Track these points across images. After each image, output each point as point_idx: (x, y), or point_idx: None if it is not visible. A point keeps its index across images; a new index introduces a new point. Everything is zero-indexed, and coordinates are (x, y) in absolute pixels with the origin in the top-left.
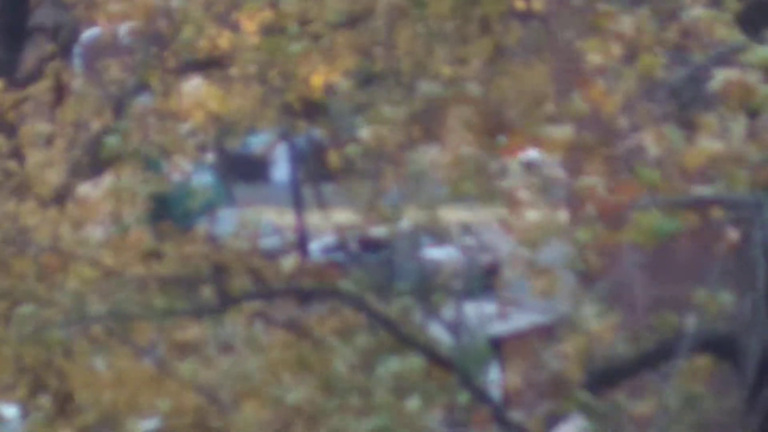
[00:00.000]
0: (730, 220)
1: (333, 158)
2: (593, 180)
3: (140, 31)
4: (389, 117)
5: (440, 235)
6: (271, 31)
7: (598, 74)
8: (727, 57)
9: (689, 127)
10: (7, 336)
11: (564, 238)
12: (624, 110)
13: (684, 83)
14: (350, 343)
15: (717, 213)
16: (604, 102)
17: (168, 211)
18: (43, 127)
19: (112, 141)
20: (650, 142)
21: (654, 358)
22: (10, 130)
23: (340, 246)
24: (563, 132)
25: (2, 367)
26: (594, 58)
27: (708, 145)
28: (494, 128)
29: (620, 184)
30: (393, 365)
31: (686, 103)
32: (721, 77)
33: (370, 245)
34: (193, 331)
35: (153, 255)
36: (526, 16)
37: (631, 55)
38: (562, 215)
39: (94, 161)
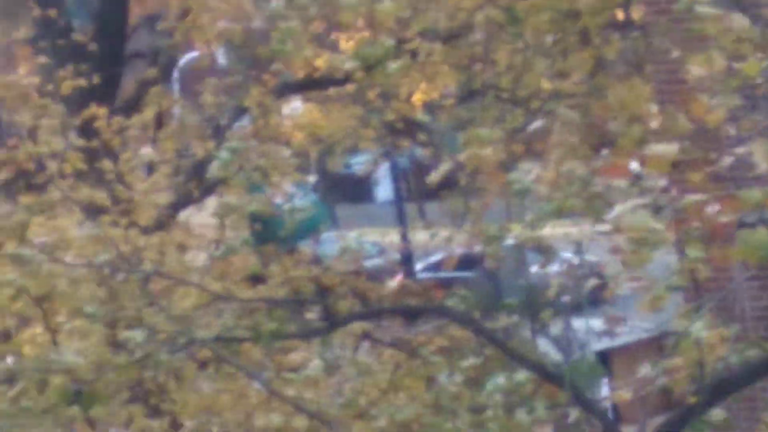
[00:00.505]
0: None
1: (434, 175)
2: (699, 197)
3: (238, 54)
4: (487, 137)
5: (546, 252)
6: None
7: (700, 87)
8: None
9: None
10: (118, 362)
11: (671, 253)
12: (729, 122)
13: None
14: (459, 362)
15: None
16: (708, 117)
17: (271, 234)
18: (146, 152)
19: (218, 164)
20: (757, 154)
21: (765, 370)
22: (114, 157)
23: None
24: (669, 149)
25: (113, 393)
26: (696, 71)
27: None
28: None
29: (726, 200)
30: (501, 382)
31: None
32: None
33: (475, 263)
34: (300, 354)
35: (258, 278)
36: (625, 27)
37: (734, 65)
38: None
39: (197, 186)
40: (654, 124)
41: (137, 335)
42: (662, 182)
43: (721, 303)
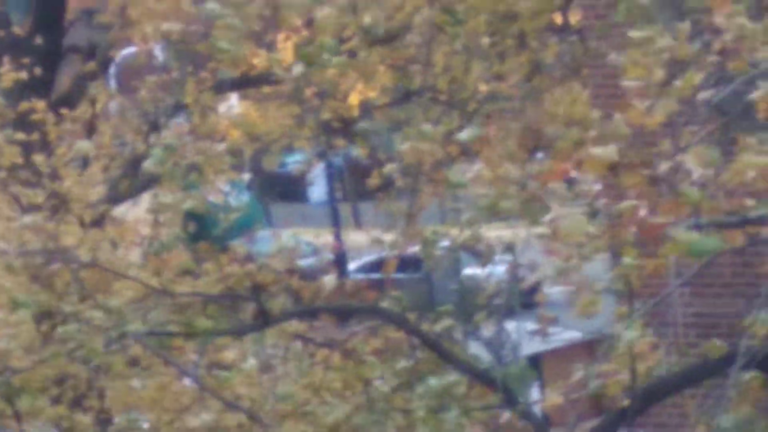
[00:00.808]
0: None
1: (373, 176)
2: (634, 202)
3: (176, 51)
4: (427, 134)
5: (480, 254)
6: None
7: (638, 95)
8: None
9: (732, 145)
10: (49, 355)
11: (605, 258)
12: (666, 130)
13: (727, 101)
14: (391, 363)
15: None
16: (646, 121)
17: (205, 231)
18: (83, 146)
19: (152, 160)
20: (692, 162)
21: (697, 377)
22: (49, 151)
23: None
24: (607, 152)
25: (43, 386)
26: (632, 82)
27: (752, 158)
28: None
29: (663, 205)
30: (433, 384)
31: (730, 121)
32: (763, 89)
33: (409, 264)
34: (233, 351)
35: (192, 274)
36: (563, 30)
37: (672, 74)
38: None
39: (132, 182)
40: (593, 129)
41: (70, 328)
42: (597, 187)
43: (654, 309)
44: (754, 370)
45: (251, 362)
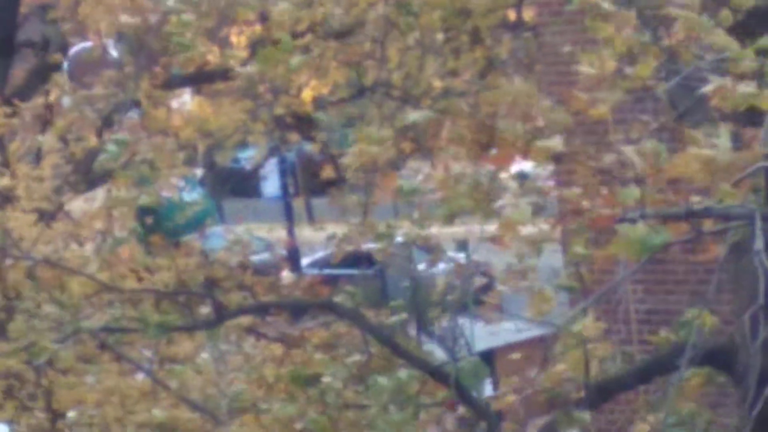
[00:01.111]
0: (722, 231)
1: (326, 172)
2: (577, 191)
3: (129, 46)
4: (374, 137)
5: (433, 250)
6: (261, 45)
7: (589, 85)
8: (721, 66)
9: (682, 137)
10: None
11: (556, 251)
12: (616, 122)
13: (677, 92)
14: (342, 358)
15: (709, 225)
16: (590, 112)
17: (158, 227)
18: (37, 140)
19: (113, 149)
20: (634, 155)
21: (649, 373)
22: (1, 145)
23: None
24: (553, 142)
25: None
26: (586, 70)
27: (697, 151)
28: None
29: (608, 197)
30: (384, 382)
31: (681, 113)
32: (715, 83)
33: (363, 260)
34: (186, 346)
35: (145, 269)
36: (517, 27)
37: (625, 65)
38: (554, 229)
39: (85, 177)
40: (539, 119)
41: (20, 325)
42: (548, 182)
43: (607, 306)
44: (701, 365)
45: (203, 357)
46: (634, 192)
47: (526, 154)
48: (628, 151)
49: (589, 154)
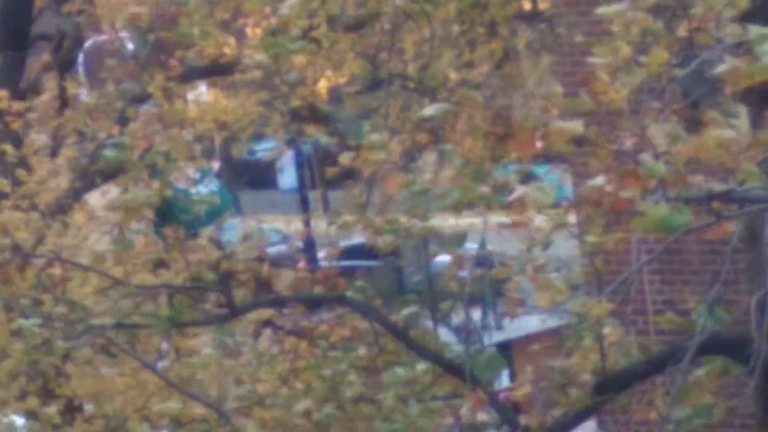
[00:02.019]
0: (739, 216)
1: (342, 163)
2: (600, 180)
3: (144, 38)
4: (378, 144)
5: (447, 242)
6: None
7: (604, 71)
8: (734, 52)
9: (697, 123)
10: (15, 348)
11: (567, 240)
12: (631, 107)
13: (692, 79)
14: (356, 352)
15: (726, 210)
16: (610, 96)
17: (174, 220)
18: (43, 138)
19: (110, 153)
20: (656, 137)
21: (664, 362)
22: (16, 140)
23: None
24: (572, 125)
25: (11, 377)
26: (600, 60)
27: (717, 132)
28: (503, 133)
29: (627, 178)
30: (400, 373)
31: (694, 98)
32: (728, 64)
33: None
34: (202, 339)
35: (160, 263)
36: (532, 18)
37: (639, 52)
38: (568, 215)
39: (100, 170)
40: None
41: (32, 323)
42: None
43: (624, 297)
44: (715, 354)
45: (216, 351)
46: (659, 167)
47: (544, 139)
48: (651, 130)
49: (609, 138)
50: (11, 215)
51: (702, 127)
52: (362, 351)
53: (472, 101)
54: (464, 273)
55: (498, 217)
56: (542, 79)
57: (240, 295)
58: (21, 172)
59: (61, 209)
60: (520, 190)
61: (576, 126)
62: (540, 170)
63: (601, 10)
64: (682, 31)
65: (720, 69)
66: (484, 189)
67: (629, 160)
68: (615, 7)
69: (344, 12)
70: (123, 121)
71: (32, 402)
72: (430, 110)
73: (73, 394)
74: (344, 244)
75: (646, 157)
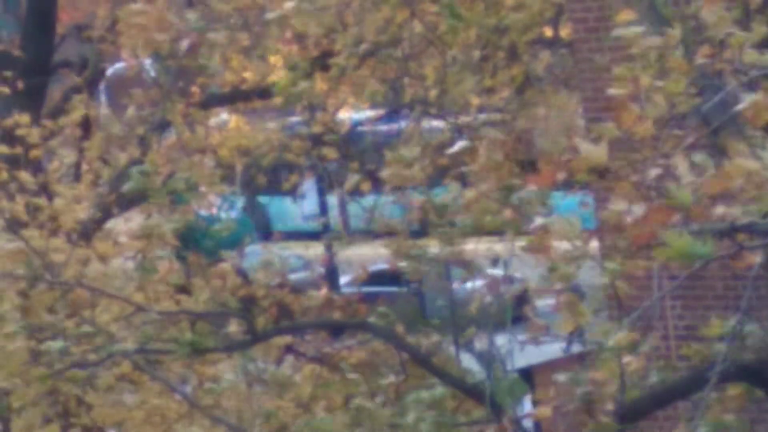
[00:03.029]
0: (762, 247)
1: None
2: (622, 205)
3: (165, 66)
4: (407, 159)
5: (469, 268)
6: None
7: (630, 98)
8: (757, 81)
9: (720, 153)
10: (37, 373)
11: (594, 267)
12: (652, 138)
13: (714, 109)
14: (378, 379)
15: (749, 241)
16: (636, 126)
17: (196, 245)
18: (69, 160)
19: (135, 180)
20: (681, 167)
21: (686, 388)
22: (37, 166)
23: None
24: (597, 151)
25: (34, 403)
26: (620, 87)
27: (742, 163)
28: (524, 159)
29: (651, 210)
30: (423, 395)
31: (717, 128)
32: (750, 99)
33: (401, 277)
34: (224, 366)
35: (182, 289)
36: (553, 44)
37: (658, 78)
38: (589, 244)
39: (122, 196)
40: (580, 135)
41: (55, 345)
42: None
43: (646, 323)
44: (737, 380)
45: (238, 377)
46: (686, 197)
47: (567, 170)
48: (675, 160)
49: (633, 168)
50: (36, 241)
51: (725, 157)
52: (389, 379)
53: (492, 137)
54: (487, 299)
55: (520, 243)
56: (563, 109)
57: (262, 321)
58: (40, 201)
59: (84, 235)
60: (541, 221)
61: (601, 154)
62: (557, 197)
63: (619, 31)
64: (701, 57)
65: (741, 106)
66: (507, 212)
67: (652, 192)
68: (633, 29)
69: (365, 38)
70: (144, 147)
71: (54, 430)
72: (454, 149)
73: (93, 423)
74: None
75: (672, 186)
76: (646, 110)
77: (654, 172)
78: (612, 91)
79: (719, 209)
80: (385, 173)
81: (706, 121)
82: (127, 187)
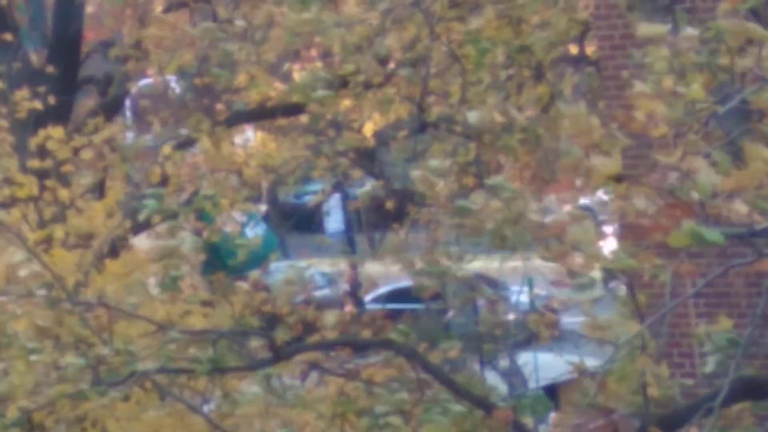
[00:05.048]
0: None
1: (362, 196)
2: (641, 202)
3: (190, 83)
4: (437, 170)
5: (493, 285)
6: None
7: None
8: None
9: (737, 156)
10: (59, 391)
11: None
12: (673, 140)
13: (733, 115)
14: (399, 393)
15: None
16: (651, 131)
17: (221, 263)
18: (86, 181)
19: (150, 204)
20: (699, 168)
21: (708, 405)
22: (65, 181)
23: (395, 296)
24: (611, 164)
25: (61, 419)
26: (641, 88)
27: (761, 164)
28: (548, 175)
29: (668, 207)
30: (440, 416)
31: (735, 135)
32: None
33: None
34: (246, 384)
35: (206, 306)
36: (579, 61)
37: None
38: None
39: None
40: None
41: (77, 363)
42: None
43: (670, 340)
44: (750, 397)
45: (261, 392)
46: (704, 188)
47: (587, 178)
48: (691, 161)
49: (650, 171)
50: (62, 257)
51: (742, 162)
52: (402, 395)
53: (515, 150)
54: (510, 316)
55: (541, 260)
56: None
57: (286, 338)
58: (71, 218)
59: (109, 252)
60: (559, 216)
61: (615, 164)
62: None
63: (642, 29)
64: (723, 60)
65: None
66: (533, 217)
67: (671, 196)
68: (658, 28)
69: (393, 53)
70: (168, 165)
71: None
72: (472, 118)
73: None
74: (391, 287)
75: (687, 185)
76: (665, 111)
77: (673, 176)
78: (634, 89)
79: (739, 207)
80: (414, 174)
81: (723, 126)
82: (142, 214)
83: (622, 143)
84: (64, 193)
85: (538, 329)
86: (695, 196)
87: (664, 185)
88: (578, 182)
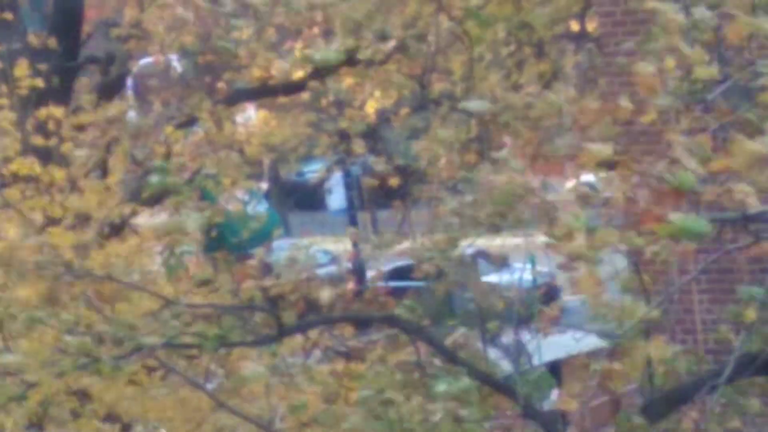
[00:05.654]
0: None
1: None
2: (624, 193)
3: (191, 61)
4: (443, 138)
5: (496, 261)
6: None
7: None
8: None
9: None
10: (63, 366)
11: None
12: (670, 122)
13: (735, 92)
14: (403, 370)
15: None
16: (641, 117)
17: (224, 241)
18: (82, 158)
19: (155, 180)
20: (683, 154)
21: (713, 382)
22: (65, 162)
23: (398, 273)
24: (602, 149)
25: (62, 396)
26: (643, 68)
27: (745, 144)
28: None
29: (660, 195)
30: (446, 387)
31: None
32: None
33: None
34: (253, 361)
35: (209, 284)
36: (580, 38)
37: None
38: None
39: (147, 194)
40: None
41: (77, 341)
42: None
43: (674, 317)
44: (756, 375)
45: (264, 370)
46: (689, 178)
47: (577, 160)
48: (678, 149)
49: (637, 160)
50: (64, 235)
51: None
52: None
53: (516, 126)
54: (513, 293)
55: (543, 237)
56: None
57: (289, 315)
58: (71, 197)
59: (114, 230)
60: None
61: (606, 150)
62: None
63: (651, 3)
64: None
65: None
66: (532, 198)
67: (658, 181)
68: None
69: (393, 30)
70: (170, 144)
71: (84, 424)
72: (474, 105)
73: (123, 413)
74: (394, 264)
75: (670, 175)
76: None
77: (661, 164)
78: (637, 68)
79: (737, 192)
80: (418, 145)
81: (726, 101)
82: (148, 187)
83: (610, 132)
84: (60, 174)
85: (541, 322)
86: (684, 179)
87: (654, 172)
88: (569, 165)
